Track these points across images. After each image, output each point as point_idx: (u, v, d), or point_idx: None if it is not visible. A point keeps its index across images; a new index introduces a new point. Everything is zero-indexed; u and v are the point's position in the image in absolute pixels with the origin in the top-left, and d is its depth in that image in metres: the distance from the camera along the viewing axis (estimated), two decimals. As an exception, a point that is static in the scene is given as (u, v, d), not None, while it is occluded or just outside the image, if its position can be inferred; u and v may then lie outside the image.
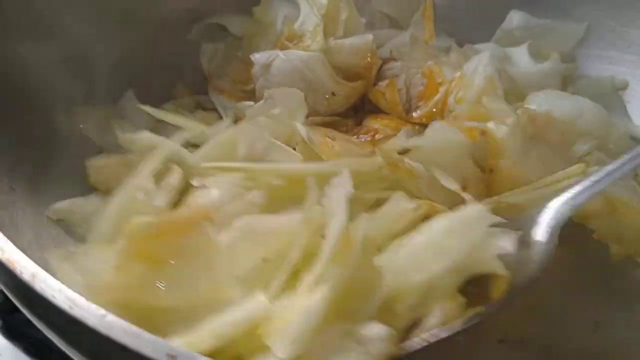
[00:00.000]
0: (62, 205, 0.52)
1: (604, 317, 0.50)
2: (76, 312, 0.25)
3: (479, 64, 0.59)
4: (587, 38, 0.70)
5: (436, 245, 0.41)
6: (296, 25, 0.64)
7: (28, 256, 0.30)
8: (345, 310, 0.37)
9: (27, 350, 0.59)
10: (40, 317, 0.30)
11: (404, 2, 0.73)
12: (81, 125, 0.58)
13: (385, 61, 0.65)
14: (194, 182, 0.48)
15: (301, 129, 0.52)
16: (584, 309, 0.50)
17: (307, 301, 0.35)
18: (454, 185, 0.48)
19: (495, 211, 0.43)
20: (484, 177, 0.51)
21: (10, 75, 0.51)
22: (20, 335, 0.60)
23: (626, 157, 0.47)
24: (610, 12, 0.69)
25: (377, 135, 0.59)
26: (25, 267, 0.28)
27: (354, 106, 0.64)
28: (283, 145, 0.51)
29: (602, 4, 0.69)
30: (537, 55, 0.67)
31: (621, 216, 0.51)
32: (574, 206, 0.45)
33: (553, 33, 0.70)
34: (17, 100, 0.52)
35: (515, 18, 0.71)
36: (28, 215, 0.48)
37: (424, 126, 0.55)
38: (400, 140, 0.54)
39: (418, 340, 0.39)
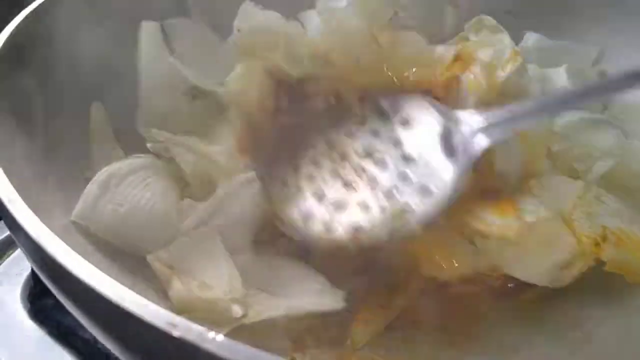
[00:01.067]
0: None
1: (598, 327, 0.52)
2: (94, 283, 0.29)
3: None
4: (600, 62, 0.72)
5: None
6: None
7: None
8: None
9: (51, 333, 0.64)
10: (63, 291, 0.34)
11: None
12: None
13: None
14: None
15: None
16: (577, 319, 0.52)
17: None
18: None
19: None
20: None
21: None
22: (48, 319, 0.65)
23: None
24: (624, 37, 0.71)
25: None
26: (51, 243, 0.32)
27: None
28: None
29: (616, 29, 0.71)
30: (575, 76, 0.67)
31: (625, 246, 0.52)
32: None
33: (567, 54, 0.72)
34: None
35: (531, 39, 0.73)
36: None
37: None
38: None
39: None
